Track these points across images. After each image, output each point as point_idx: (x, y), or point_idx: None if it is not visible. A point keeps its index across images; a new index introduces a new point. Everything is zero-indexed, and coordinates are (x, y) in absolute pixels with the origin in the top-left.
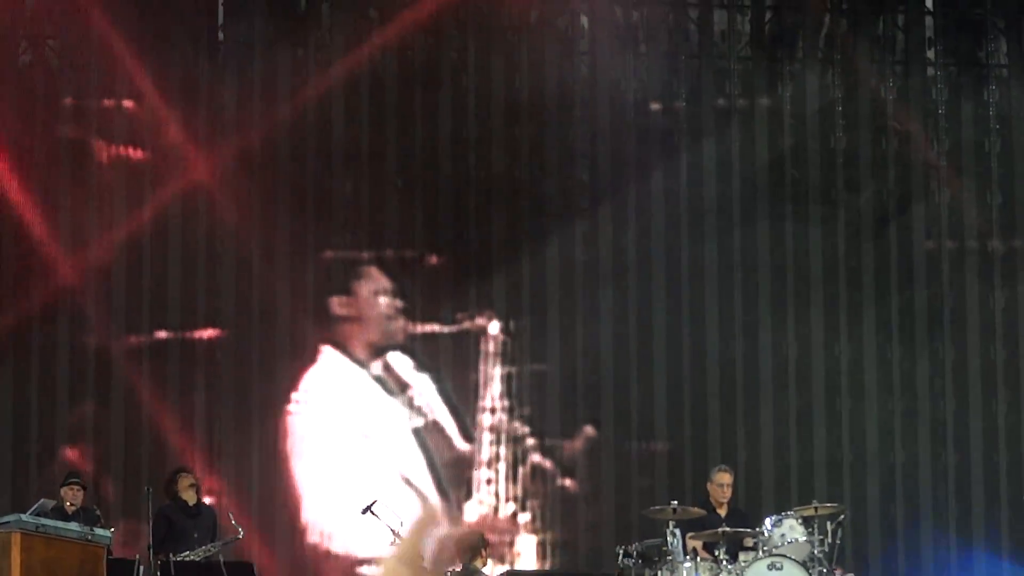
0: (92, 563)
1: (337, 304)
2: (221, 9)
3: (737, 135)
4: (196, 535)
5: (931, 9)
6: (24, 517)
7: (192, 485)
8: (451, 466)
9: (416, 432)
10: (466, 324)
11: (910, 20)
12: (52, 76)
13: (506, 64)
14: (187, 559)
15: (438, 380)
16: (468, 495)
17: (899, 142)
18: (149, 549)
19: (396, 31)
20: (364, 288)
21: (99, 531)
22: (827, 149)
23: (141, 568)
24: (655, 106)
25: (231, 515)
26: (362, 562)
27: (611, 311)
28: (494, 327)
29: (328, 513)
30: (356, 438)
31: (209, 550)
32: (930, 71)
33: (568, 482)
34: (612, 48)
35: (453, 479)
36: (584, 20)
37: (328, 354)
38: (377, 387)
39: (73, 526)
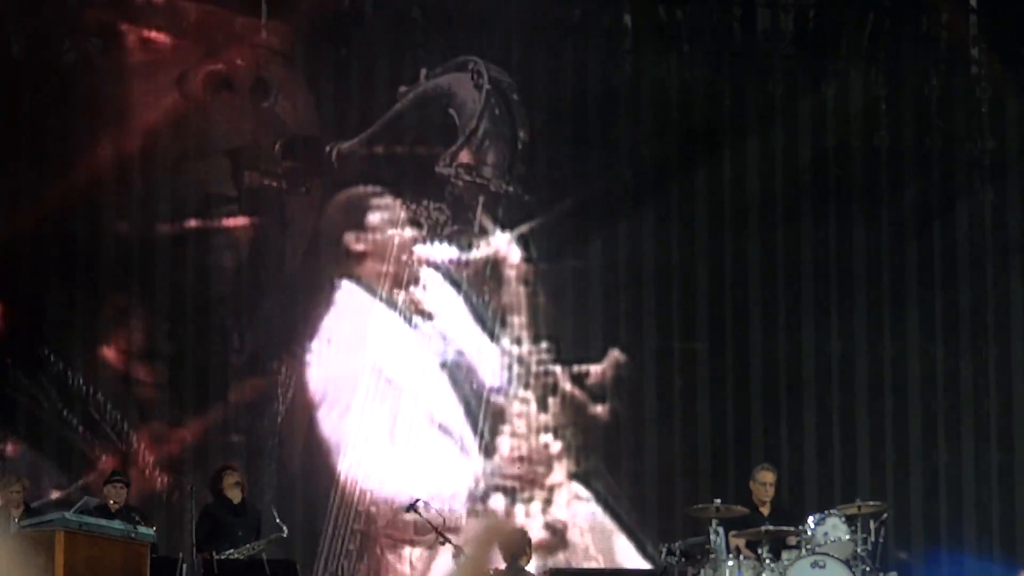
0: (135, 561)
1: (353, 240)
2: (264, 7)
3: (781, 133)
4: (241, 533)
5: (975, 7)
6: (67, 515)
7: (237, 483)
8: (480, 398)
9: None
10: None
11: (954, 18)
12: None
13: (550, 63)
14: (231, 557)
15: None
16: (499, 428)
17: (943, 140)
18: (192, 547)
19: (439, 30)
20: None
21: (142, 529)
22: (871, 147)
23: (184, 566)
24: (698, 104)
25: (275, 513)
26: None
27: (654, 311)
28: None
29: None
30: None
31: (253, 548)
32: (974, 69)
33: (599, 407)
34: (656, 47)
35: (484, 412)
36: (627, 19)
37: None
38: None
39: (116, 524)
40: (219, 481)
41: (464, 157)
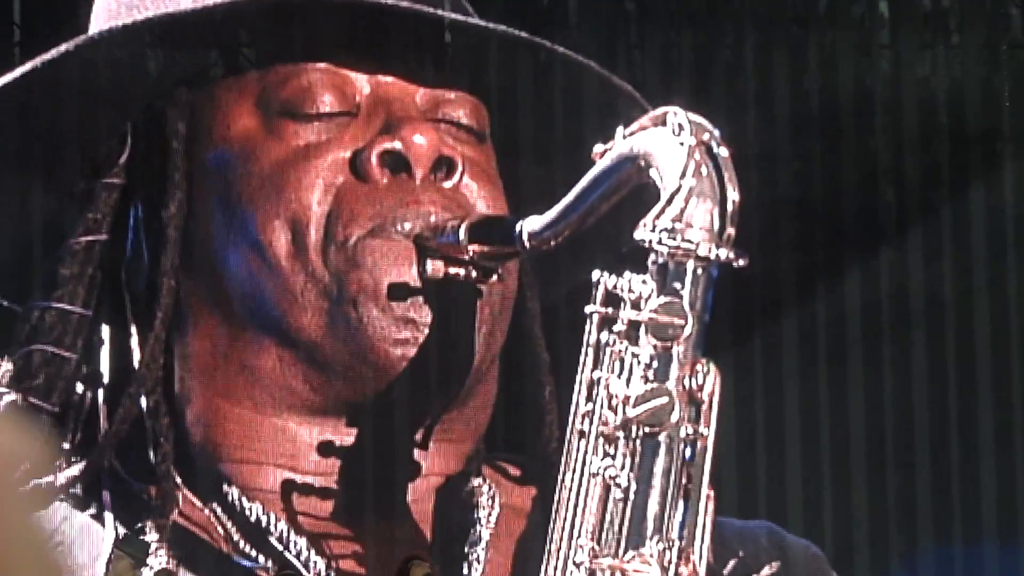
0: None
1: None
2: (447, 6)
3: None
4: None
5: None
6: None
7: (427, 574)
8: None
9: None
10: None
11: None
12: None
13: (791, 63)
14: None
15: None
16: None
17: None
18: None
19: (658, 26)
20: None
21: None
22: None
23: None
24: (972, 107)
25: None
26: None
27: (925, 357)
28: None
29: None
30: None
31: None
32: None
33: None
34: (919, 39)
35: None
36: (884, 7)
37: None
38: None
39: None
40: (406, 573)
41: (667, 221)
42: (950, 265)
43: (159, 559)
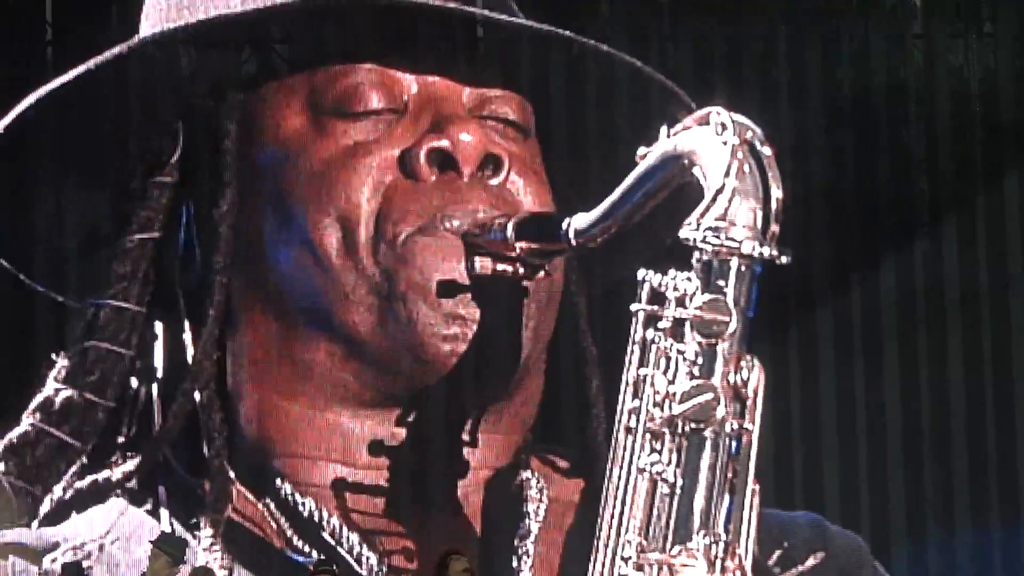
0: None
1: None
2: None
3: None
4: None
5: None
6: None
7: (465, 570)
8: None
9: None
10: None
11: None
12: None
13: (823, 55)
14: None
15: None
16: None
17: None
18: None
19: (690, 19)
20: None
21: None
22: None
23: None
24: (1006, 96)
25: None
26: None
27: (960, 348)
28: None
29: None
30: None
31: None
32: None
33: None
34: (952, 28)
35: None
36: None
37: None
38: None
39: None
40: (444, 569)
41: (711, 219)
42: (984, 254)
43: (213, 554)
